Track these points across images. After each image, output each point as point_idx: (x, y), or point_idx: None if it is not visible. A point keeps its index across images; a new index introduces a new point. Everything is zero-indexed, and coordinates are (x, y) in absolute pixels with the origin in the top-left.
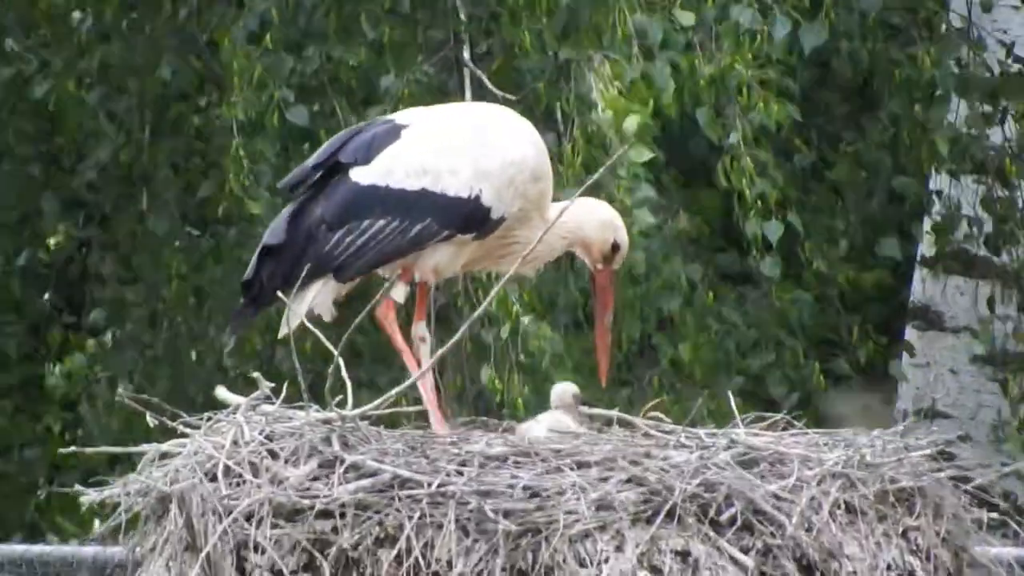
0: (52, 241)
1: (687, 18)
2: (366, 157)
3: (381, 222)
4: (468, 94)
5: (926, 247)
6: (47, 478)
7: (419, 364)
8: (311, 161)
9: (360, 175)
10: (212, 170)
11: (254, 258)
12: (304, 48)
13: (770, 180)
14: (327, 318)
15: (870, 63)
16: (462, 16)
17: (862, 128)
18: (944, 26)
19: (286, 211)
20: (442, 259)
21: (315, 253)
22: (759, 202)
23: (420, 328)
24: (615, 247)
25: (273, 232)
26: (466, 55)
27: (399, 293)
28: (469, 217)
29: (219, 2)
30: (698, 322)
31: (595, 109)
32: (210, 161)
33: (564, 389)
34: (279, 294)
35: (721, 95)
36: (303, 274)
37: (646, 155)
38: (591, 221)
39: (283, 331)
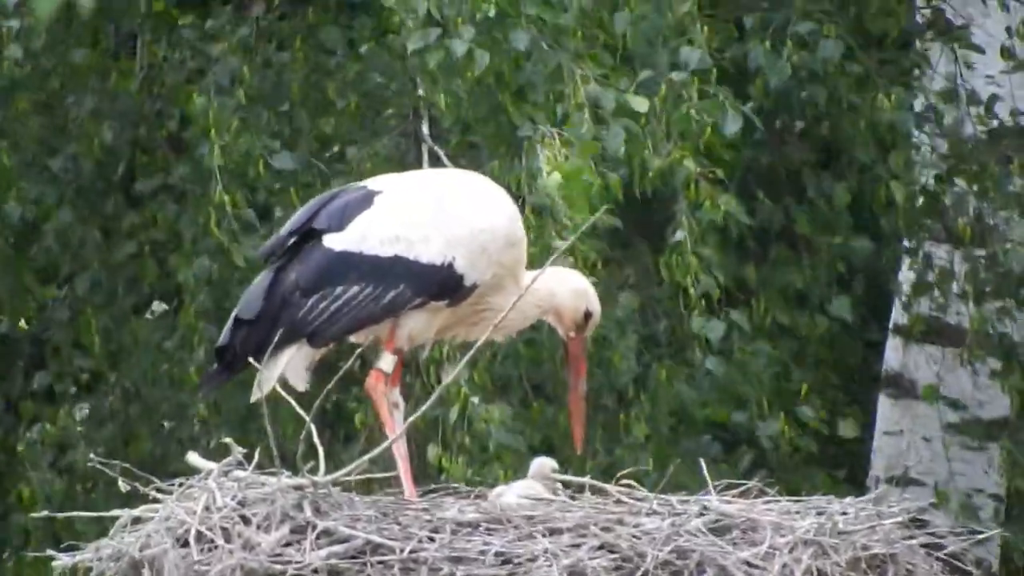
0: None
1: (640, 104)
2: (340, 224)
3: (355, 288)
4: (426, 168)
5: (898, 314)
6: (22, 544)
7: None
8: (285, 229)
9: (334, 241)
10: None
11: (228, 325)
12: (280, 103)
13: (714, 278)
14: (300, 386)
15: (828, 107)
16: (420, 92)
17: (822, 184)
18: (922, 79)
19: (260, 280)
20: (416, 326)
21: (289, 319)
22: (703, 301)
23: (394, 395)
24: (587, 315)
25: (248, 304)
26: (425, 130)
27: (387, 363)
28: (443, 284)
29: (174, 69)
30: (652, 402)
31: (540, 176)
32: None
33: (543, 463)
34: (251, 360)
35: (668, 188)
36: (277, 339)
37: (585, 219)
38: (564, 290)
39: (255, 396)
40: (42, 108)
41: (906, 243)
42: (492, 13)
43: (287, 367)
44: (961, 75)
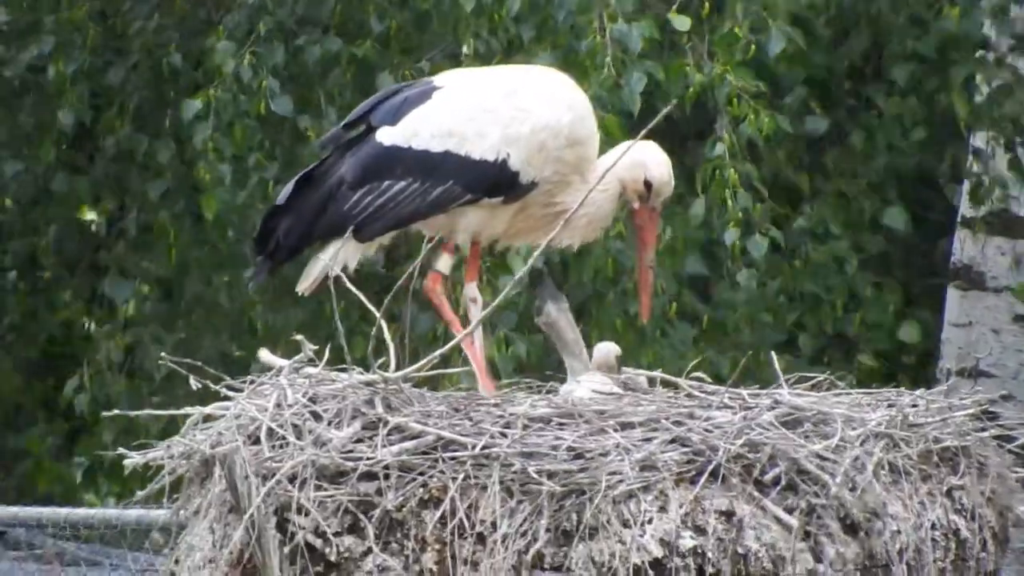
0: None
1: (683, 23)
2: (394, 118)
3: (402, 183)
4: None
5: (965, 207)
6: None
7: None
8: (343, 121)
9: (385, 136)
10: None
11: (262, 217)
12: (297, 37)
13: (754, 193)
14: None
15: (888, 17)
16: (468, 8)
17: (871, 97)
18: None
19: (302, 171)
20: (473, 223)
21: (335, 212)
22: (741, 215)
23: (471, 289)
24: (647, 184)
25: (284, 193)
26: (464, 50)
27: (444, 264)
28: (496, 181)
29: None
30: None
31: None
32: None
33: (608, 350)
34: (301, 251)
35: (710, 104)
36: (320, 232)
37: None
38: (621, 163)
39: (301, 286)
40: (98, 17)
41: (974, 139)
42: None
43: (335, 260)
44: None
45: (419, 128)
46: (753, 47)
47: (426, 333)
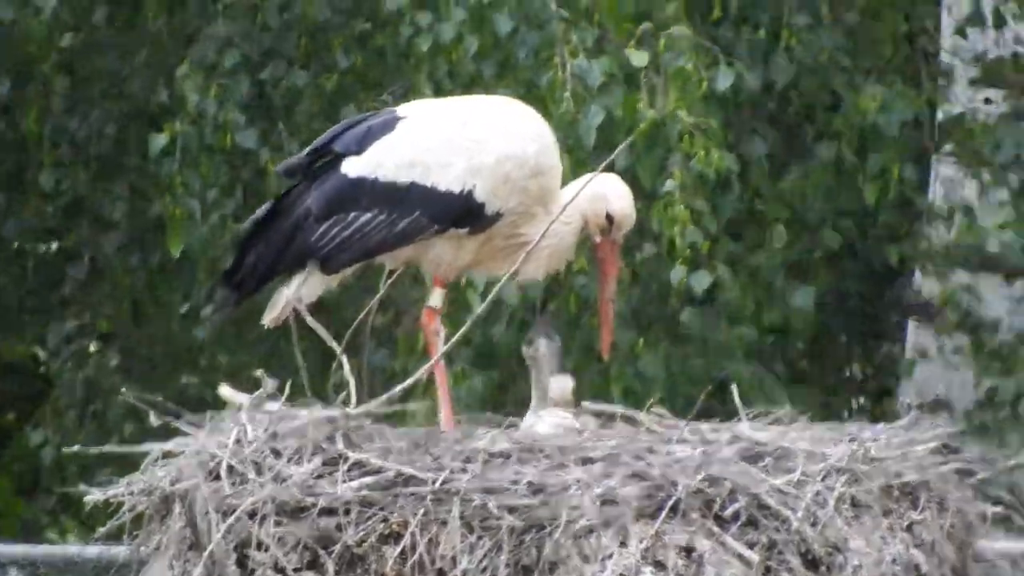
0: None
1: (640, 59)
2: (359, 148)
3: (368, 215)
4: None
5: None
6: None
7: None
8: (307, 149)
9: (350, 166)
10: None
11: (236, 248)
12: (263, 69)
13: (703, 230)
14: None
15: (816, 98)
16: (424, 48)
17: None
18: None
19: (272, 201)
20: (442, 255)
21: (302, 243)
22: (689, 251)
23: (435, 323)
24: (609, 218)
25: (253, 220)
26: (426, 88)
27: (437, 298)
28: (462, 212)
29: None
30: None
31: None
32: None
33: (564, 385)
34: (265, 282)
35: (660, 142)
36: (287, 263)
37: None
38: (582, 195)
39: (266, 318)
40: (65, 68)
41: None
42: None
43: (300, 291)
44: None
45: (383, 159)
46: (704, 83)
47: (385, 368)
